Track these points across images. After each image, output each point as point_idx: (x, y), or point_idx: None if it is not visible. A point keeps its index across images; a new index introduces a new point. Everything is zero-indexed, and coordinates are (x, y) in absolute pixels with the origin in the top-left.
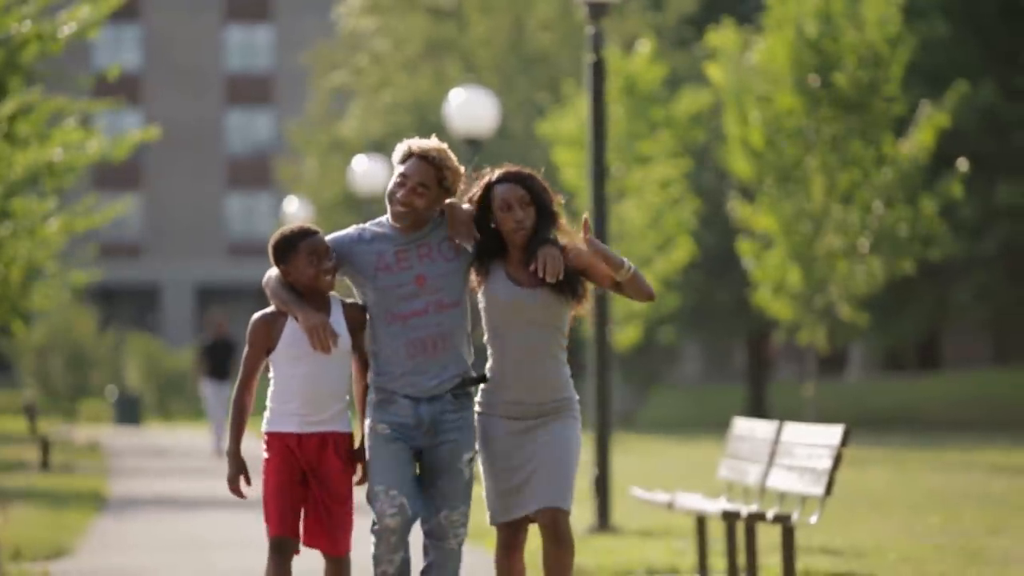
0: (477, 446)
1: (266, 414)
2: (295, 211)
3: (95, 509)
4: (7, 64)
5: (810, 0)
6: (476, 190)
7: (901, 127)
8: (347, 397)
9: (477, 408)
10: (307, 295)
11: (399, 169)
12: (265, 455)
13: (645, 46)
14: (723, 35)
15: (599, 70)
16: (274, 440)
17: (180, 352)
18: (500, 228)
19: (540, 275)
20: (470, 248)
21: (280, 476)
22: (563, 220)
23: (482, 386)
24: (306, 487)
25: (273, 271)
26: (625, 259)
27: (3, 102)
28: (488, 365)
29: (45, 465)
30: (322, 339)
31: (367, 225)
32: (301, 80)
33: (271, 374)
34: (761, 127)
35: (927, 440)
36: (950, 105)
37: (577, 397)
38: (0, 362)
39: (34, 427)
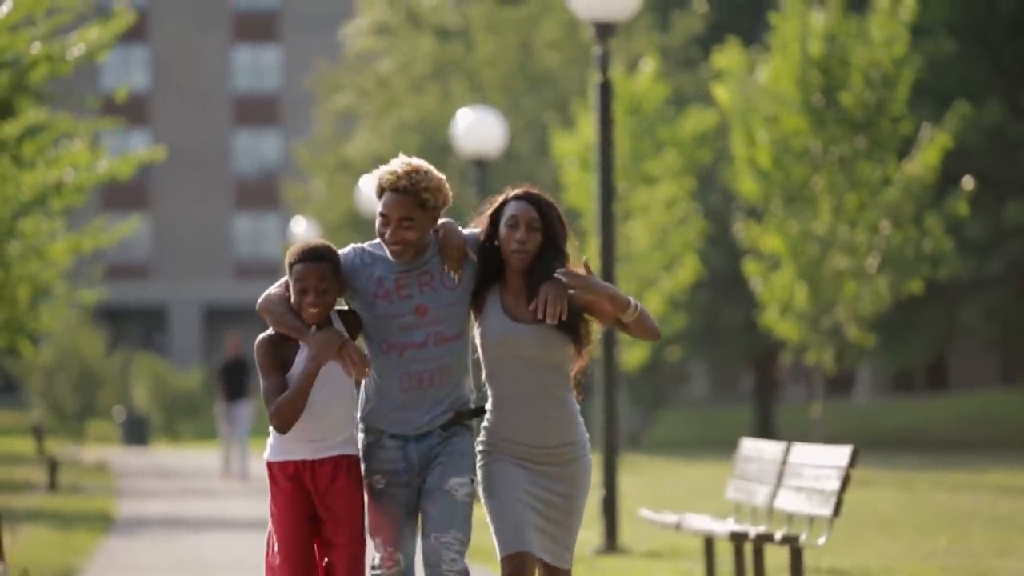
0: (479, 479)
1: (270, 441)
2: (303, 232)
3: (103, 530)
4: (16, 85)
5: (816, 20)
6: (490, 206)
7: (907, 147)
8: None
9: (479, 445)
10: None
11: (378, 207)
12: (271, 489)
13: (648, 66)
14: (728, 56)
15: (606, 90)
16: (282, 471)
17: (188, 373)
18: (502, 247)
19: (540, 316)
20: (458, 277)
21: (291, 522)
22: (570, 264)
23: (484, 423)
24: (316, 522)
25: (273, 289)
26: (631, 298)
27: (11, 123)
28: (488, 402)
29: (53, 486)
30: (356, 363)
31: (367, 246)
32: (308, 101)
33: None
34: (768, 147)
35: (935, 461)
36: (952, 125)
37: (587, 437)
38: (8, 382)
39: (42, 448)
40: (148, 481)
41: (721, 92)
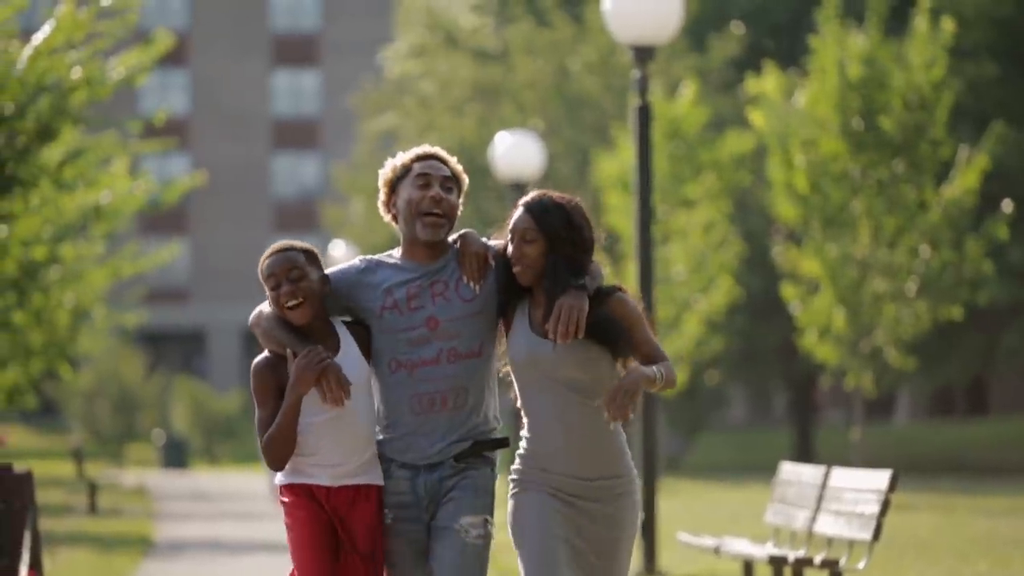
0: (509, 511)
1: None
2: (341, 255)
3: (142, 553)
4: (56, 109)
5: (855, 43)
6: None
7: (946, 170)
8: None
9: (512, 474)
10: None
11: (411, 179)
12: (286, 513)
13: (688, 89)
14: (765, 82)
15: (645, 114)
16: (297, 491)
17: (227, 396)
18: None
19: (551, 335)
20: (477, 288)
21: (313, 538)
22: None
23: (519, 450)
24: (337, 540)
25: (265, 305)
26: (655, 369)
27: (52, 147)
28: (524, 427)
29: (92, 509)
30: (333, 390)
31: (375, 256)
32: (347, 124)
33: None
34: (806, 171)
35: (975, 485)
36: (991, 148)
37: (635, 472)
38: (48, 406)
39: (82, 471)
40: (187, 504)
41: (757, 117)
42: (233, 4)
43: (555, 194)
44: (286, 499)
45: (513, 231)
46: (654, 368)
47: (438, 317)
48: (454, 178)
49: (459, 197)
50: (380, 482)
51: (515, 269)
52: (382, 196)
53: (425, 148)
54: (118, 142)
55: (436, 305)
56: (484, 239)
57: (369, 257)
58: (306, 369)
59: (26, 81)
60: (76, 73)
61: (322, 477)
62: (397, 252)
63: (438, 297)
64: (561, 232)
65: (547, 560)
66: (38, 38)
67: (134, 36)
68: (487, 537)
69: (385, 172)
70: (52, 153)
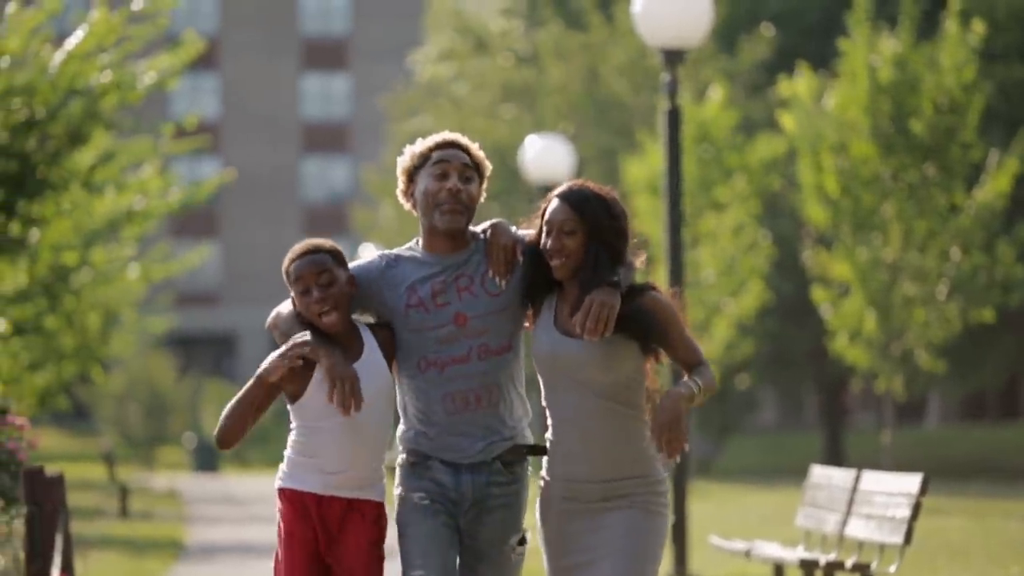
0: (538, 525)
1: (282, 466)
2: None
3: (173, 556)
4: (87, 113)
5: (885, 47)
6: (543, 207)
7: (977, 173)
8: (385, 457)
9: (540, 481)
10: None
11: (428, 168)
12: (281, 520)
13: (717, 92)
14: (795, 85)
15: (674, 117)
16: (292, 501)
17: None
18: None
19: (579, 329)
20: (504, 282)
21: (295, 557)
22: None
23: (547, 455)
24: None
25: (283, 306)
26: (691, 384)
27: (83, 151)
28: (548, 430)
29: (124, 512)
30: (345, 397)
31: (394, 250)
32: (377, 128)
33: (292, 424)
34: (836, 175)
35: (1007, 489)
36: (1020, 150)
37: (665, 476)
38: (79, 410)
39: (113, 474)
40: (218, 508)
41: (788, 120)
42: (263, 8)
43: (591, 183)
44: (281, 505)
45: (550, 223)
46: (690, 383)
47: (466, 313)
48: (474, 166)
49: (481, 185)
50: (380, 499)
51: (553, 262)
52: (401, 185)
53: (445, 135)
54: (150, 145)
55: (462, 301)
56: (515, 229)
57: (388, 252)
58: (281, 357)
59: (58, 85)
60: (107, 77)
61: (315, 483)
62: (416, 244)
63: (464, 292)
64: (603, 222)
65: (561, 555)
66: (70, 43)
67: (164, 40)
68: (526, 546)
69: (404, 160)
70: (83, 157)
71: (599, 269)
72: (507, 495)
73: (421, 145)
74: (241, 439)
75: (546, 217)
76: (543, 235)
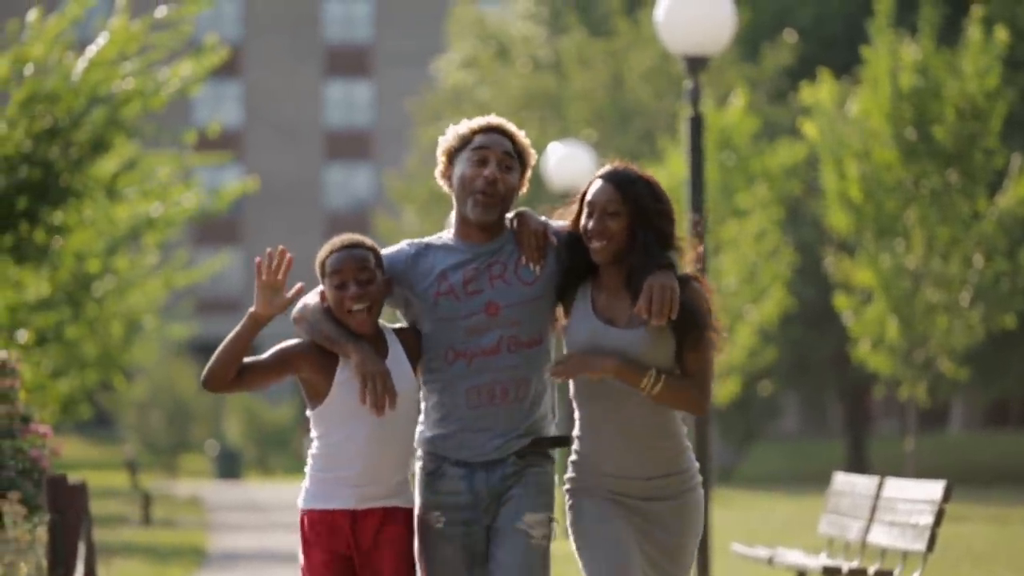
0: (568, 522)
1: (305, 485)
2: None
3: (196, 564)
4: (109, 121)
5: (908, 53)
6: (583, 190)
7: (1000, 180)
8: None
9: (567, 483)
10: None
11: (467, 152)
12: (301, 550)
13: (739, 99)
14: (818, 91)
15: (697, 124)
16: (318, 521)
17: (280, 407)
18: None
19: (644, 315)
20: (538, 269)
21: None
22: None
23: (572, 455)
24: None
25: (310, 298)
26: (650, 370)
27: (106, 158)
28: (576, 427)
29: (146, 520)
30: (378, 395)
31: (423, 239)
32: (400, 135)
33: (313, 434)
34: (859, 181)
35: None
36: None
37: (696, 467)
38: (102, 417)
39: (135, 482)
40: (240, 515)
41: (810, 127)
42: (286, 15)
43: (634, 166)
44: (304, 531)
45: (593, 204)
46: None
47: (498, 302)
48: (517, 155)
49: (523, 175)
50: (411, 505)
51: (594, 245)
52: (440, 166)
53: (490, 119)
54: (173, 155)
55: (495, 289)
56: (543, 218)
57: (416, 241)
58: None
59: (81, 92)
60: (129, 84)
61: (348, 499)
62: (446, 234)
63: (496, 280)
64: (648, 204)
65: (615, 565)
66: (92, 50)
67: (187, 47)
68: (550, 536)
69: (446, 140)
70: (106, 165)
71: (651, 253)
72: (523, 479)
73: (464, 126)
74: (228, 381)
75: (588, 198)
76: (583, 216)
